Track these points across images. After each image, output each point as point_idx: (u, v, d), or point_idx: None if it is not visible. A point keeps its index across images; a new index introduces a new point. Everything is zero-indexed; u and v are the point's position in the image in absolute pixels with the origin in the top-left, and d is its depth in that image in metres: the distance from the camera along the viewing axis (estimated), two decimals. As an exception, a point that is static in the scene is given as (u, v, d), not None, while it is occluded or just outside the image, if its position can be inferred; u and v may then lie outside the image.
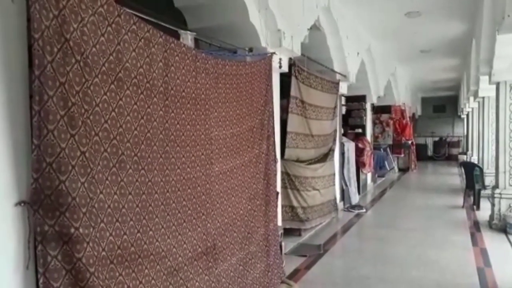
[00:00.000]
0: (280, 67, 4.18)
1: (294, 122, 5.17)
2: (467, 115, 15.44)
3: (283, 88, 5.03)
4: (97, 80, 2.10)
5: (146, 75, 2.43)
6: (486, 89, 8.21)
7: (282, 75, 4.84)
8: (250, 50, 3.97)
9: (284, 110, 5.08)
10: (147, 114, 2.44)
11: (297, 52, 4.52)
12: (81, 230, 1.92)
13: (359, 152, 8.88)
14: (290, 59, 4.66)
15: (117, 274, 2.17)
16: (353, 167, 8.40)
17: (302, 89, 5.20)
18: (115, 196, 2.22)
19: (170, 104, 2.62)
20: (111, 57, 2.17)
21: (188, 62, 2.78)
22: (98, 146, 2.11)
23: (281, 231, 4.15)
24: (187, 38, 3.07)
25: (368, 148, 9.21)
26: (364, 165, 9.07)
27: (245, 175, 3.50)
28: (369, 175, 10.06)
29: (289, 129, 4.98)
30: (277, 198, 3.97)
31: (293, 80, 4.98)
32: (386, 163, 12.17)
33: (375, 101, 10.09)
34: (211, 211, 3.03)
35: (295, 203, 5.36)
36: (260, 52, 3.95)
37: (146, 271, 2.40)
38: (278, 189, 4.31)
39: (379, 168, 11.50)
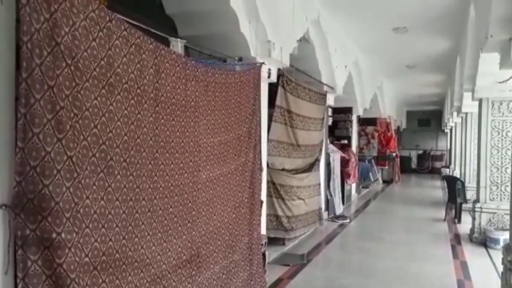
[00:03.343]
0: (269, 77, 4.22)
1: (277, 131, 5.21)
2: (451, 130, 15.76)
3: (272, 98, 5.08)
4: (88, 85, 2.09)
5: (137, 81, 2.43)
6: (469, 105, 8.40)
7: (270, 85, 4.88)
8: (240, 59, 4.00)
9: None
10: (137, 120, 2.44)
11: (286, 63, 4.57)
12: (63, 235, 1.90)
13: (344, 163, 8.97)
14: (279, 69, 4.71)
15: (100, 280, 2.15)
16: (338, 177, 8.47)
17: (290, 100, 5.26)
18: (102, 202, 2.20)
19: (160, 110, 2.63)
20: (102, 62, 2.17)
21: (178, 69, 2.79)
22: (86, 151, 2.10)
23: (265, 240, 4.16)
24: (177, 46, 3.08)
25: (353, 159, 9.31)
26: (349, 176, 9.15)
27: (231, 183, 3.50)
28: (353, 186, 10.16)
29: (270, 137, 5.02)
30: (261, 206, 3.98)
31: (280, 90, 5.03)
32: (370, 174, 12.33)
33: (361, 113, 10.24)
34: (197, 219, 3.03)
35: (280, 212, 5.38)
36: (249, 62, 3.98)
37: (130, 278, 2.38)
38: (263, 198, 4.32)
39: (364, 179, 11.64)
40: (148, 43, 2.50)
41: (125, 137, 2.35)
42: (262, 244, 4.01)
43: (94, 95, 2.13)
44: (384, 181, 14.40)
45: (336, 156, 8.36)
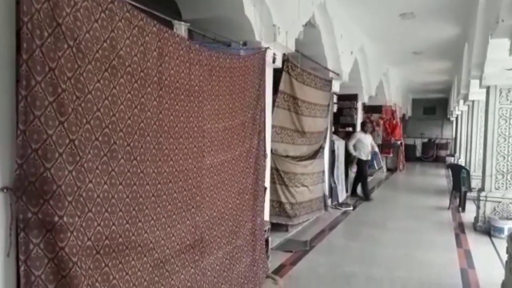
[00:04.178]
0: (274, 62, 4.16)
1: (279, 117, 5.16)
2: (456, 118, 15.63)
3: (277, 84, 5.02)
4: (90, 67, 2.05)
5: (140, 64, 2.39)
6: (476, 93, 8.32)
7: (275, 70, 4.83)
8: (244, 44, 3.94)
9: (276, 106, 5.09)
10: (140, 104, 2.40)
11: (291, 48, 4.51)
12: (65, 219, 1.88)
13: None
14: (284, 54, 4.64)
15: (103, 264, 2.14)
16: (342, 165, 8.45)
17: (295, 86, 5.20)
18: (105, 186, 2.18)
19: (164, 94, 2.59)
20: (105, 44, 2.13)
21: (182, 53, 2.74)
22: (89, 134, 2.07)
23: (268, 226, 4.15)
24: (181, 29, 3.03)
25: (357, 147, 9.25)
26: (352, 163, 9.10)
27: (235, 169, 3.48)
28: (357, 174, 10.11)
29: (273, 122, 4.97)
30: (265, 193, 3.96)
31: (284, 75, 4.97)
32: (374, 162, 12.25)
33: (366, 100, 10.15)
34: (201, 204, 3.01)
35: (283, 199, 5.37)
36: (254, 46, 3.92)
37: (133, 262, 2.37)
38: (267, 184, 4.30)
39: (368, 167, 11.57)
40: (151, 25, 2.45)
41: (129, 121, 2.32)
42: (265, 230, 4.00)
43: (96, 77, 2.09)
44: (388, 169, 14.35)
45: (341, 144, 8.32)
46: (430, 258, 4.77)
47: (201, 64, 2.95)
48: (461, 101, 10.91)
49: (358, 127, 10.30)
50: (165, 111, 2.60)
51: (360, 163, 8.73)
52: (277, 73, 4.97)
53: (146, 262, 2.48)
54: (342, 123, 10.08)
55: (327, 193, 7.14)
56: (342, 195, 8.20)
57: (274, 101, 5.05)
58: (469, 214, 7.02)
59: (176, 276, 2.73)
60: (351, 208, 7.52)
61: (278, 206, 5.37)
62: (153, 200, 2.53)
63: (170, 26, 2.99)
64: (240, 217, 3.52)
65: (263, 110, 3.94)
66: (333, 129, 7.98)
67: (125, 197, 2.31)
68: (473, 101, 9.03)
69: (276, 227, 5.41)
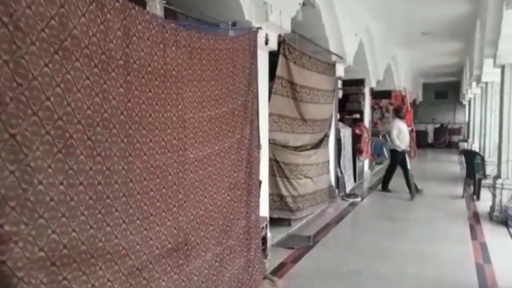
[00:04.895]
0: (267, 43, 3.81)
1: (277, 104, 4.82)
2: (469, 102, 15.08)
3: (274, 69, 4.68)
4: (35, 49, 1.75)
5: (101, 45, 2.07)
6: (490, 74, 7.88)
7: (272, 54, 4.48)
8: (234, 24, 3.60)
9: (274, 92, 4.75)
10: (103, 91, 2.09)
11: (287, 28, 4.15)
12: (6, 227, 1.60)
13: (356, 139, 8.56)
14: (279, 36, 4.29)
15: (61, 277, 1.86)
16: (349, 154, 8.10)
17: (293, 70, 4.84)
18: (61, 187, 1.89)
19: (132, 80, 2.27)
20: (52, 22, 1.82)
21: (154, 33, 2.42)
22: (37, 128, 1.77)
23: (265, 223, 3.85)
24: (155, 7, 2.71)
25: (365, 135, 8.88)
26: (361, 152, 8.74)
27: (225, 162, 3.17)
28: (366, 162, 9.75)
29: (270, 110, 4.64)
30: (260, 187, 3.65)
31: (281, 59, 4.61)
32: (384, 150, 11.85)
33: (374, 85, 9.73)
34: (184, 203, 2.71)
35: (284, 192, 5.06)
36: (244, 27, 3.58)
37: (101, 272, 2.09)
38: (263, 177, 3.99)
39: (377, 155, 11.20)
40: (114, 0, 2.13)
41: (88, 111, 2.01)
42: (262, 227, 3.70)
43: (44, 61, 1.79)
44: (398, 157, 13.90)
45: (347, 132, 7.95)
46: (443, 252, 4.43)
47: (179, 45, 2.63)
48: (474, 84, 10.41)
49: (366, 114, 9.91)
50: (135, 99, 2.29)
51: (397, 154, 7.61)
52: (274, 57, 4.63)
53: (118, 271, 2.20)
54: (348, 109, 9.68)
55: (333, 183, 6.82)
56: (349, 186, 7.85)
57: (271, 87, 4.71)
58: (484, 202, 6.63)
59: (156, 283, 2.45)
60: (359, 199, 7.18)
61: (279, 200, 5.06)
62: (124, 200, 2.23)
63: (143, 4, 2.68)
64: (231, 215, 3.21)
65: (256, 96, 3.61)
66: (338, 116, 7.61)
67: (87, 199, 2.02)
68: (486, 83, 8.56)
69: (277, 222, 5.12)
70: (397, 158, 7.62)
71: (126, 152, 2.24)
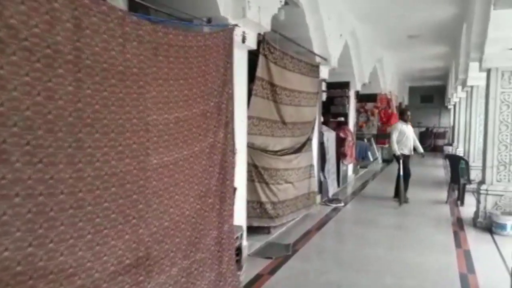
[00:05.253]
0: (244, 42, 3.59)
1: (257, 106, 4.60)
2: (454, 106, 15.11)
3: (255, 70, 4.47)
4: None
5: (46, 38, 1.83)
6: (475, 78, 7.82)
7: (252, 54, 4.27)
8: (209, 20, 3.37)
9: (254, 94, 4.53)
10: (46, 89, 1.85)
11: (267, 26, 3.93)
12: None
13: (340, 142, 8.40)
14: (259, 34, 4.08)
15: (-12, 305, 1.61)
16: (333, 158, 7.93)
17: (273, 71, 4.63)
18: (-9, 200, 1.65)
19: (84, 78, 2.03)
20: (-19, 9, 1.58)
21: (112, 26, 2.18)
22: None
23: (240, 232, 3.62)
24: (118, 0, 2.46)
25: (350, 138, 8.73)
26: (345, 156, 8.59)
27: (195, 168, 2.94)
28: (350, 167, 9.61)
29: (250, 113, 4.43)
30: (234, 194, 3.42)
31: (261, 59, 4.39)
32: (369, 153, 11.77)
33: (359, 88, 9.61)
34: (146, 214, 2.47)
35: (263, 198, 4.84)
36: (220, 23, 3.36)
37: (42, 294, 1.84)
38: (240, 183, 3.76)
39: (362, 159, 11.09)
40: (62, -13, 1.89)
41: (27, 113, 1.77)
42: (236, 238, 3.48)
43: (-32, 54, 1.54)
44: (384, 160, 13.84)
45: (331, 135, 7.78)
46: (426, 261, 4.27)
47: (142, 40, 2.39)
48: (459, 88, 10.37)
49: (351, 117, 9.77)
50: (87, 99, 2.05)
51: (401, 159, 7.28)
52: (255, 57, 4.42)
53: (64, 292, 1.95)
54: (333, 112, 9.52)
55: (316, 188, 6.63)
56: (332, 191, 7.68)
57: (251, 89, 4.50)
58: (468, 208, 6.53)
59: (111, 304, 2.21)
60: (342, 204, 7.01)
61: (258, 207, 4.84)
62: (72, 213, 1.99)
63: (104, -5, 2.43)
64: (201, 225, 2.98)
65: (231, 98, 3.38)
66: (322, 119, 7.44)
67: (25, 213, 1.77)
68: (471, 87, 8.49)
69: (256, 229, 4.91)
70: (407, 163, 7.38)
71: (75, 158, 2.00)
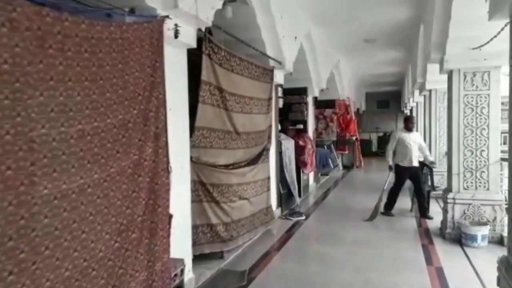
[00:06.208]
0: (176, 36, 2.98)
1: (207, 115, 4.00)
2: (411, 110, 15.20)
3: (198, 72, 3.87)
4: None
5: None
6: (434, 81, 7.63)
7: (195, 55, 3.68)
8: (132, 11, 2.74)
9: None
10: None
11: (206, 20, 3.35)
12: None
13: (300, 151, 7.93)
14: (199, 30, 3.49)
15: None
16: (293, 167, 7.43)
17: (219, 74, 4.05)
18: None
19: None
20: None
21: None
22: None
23: (180, 267, 2.97)
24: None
25: (309, 146, 8.29)
26: (305, 164, 8.13)
27: (112, 195, 2.28)
28: (311, 175, 9.17)
29: (198, 123, 3.83)
30: (170, 223, 2.79)
31: (205, 60, 3.80)
32: (329, 160, 11.41)
33: (317, 94, 9.24)
34: (32, 265, 1.79)
35: (214, 220, 4.21)
36: (145, 14, 2.74)
37: None
38: (183, 207, 3.13)
39: (322, 167, 10.70)
40: None
41: None
42: (174, 275, 2.83)
43: None
44: (344, 167, 13.61)
45: (290, 144, 7.29)
46: (395, 283, 3.81)
47: (17, 27, 1.73)
48: (416, 92, 10.25)
49: (310, 124, 9.38)
50: None
51: (398, 170, 6.64)
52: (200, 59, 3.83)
53: None
54: (291, 119, 9.07)
55: (275, 202, 6.09)
56: (294, 202, 7.17)
57: (198, 95, 3.90)
58: (435, 216, 6.22)
59: None
60: (303, 217, 6.50)
61: (209, 231, 4.19)
62: None
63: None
64: (121, 269, 2.32)
65: (162, 104, 2.76)
66: (279, 127, 6.94)
67: None
68: (430, 91, 8.31)
69: (208, 254, 4.26)
70: (401, 176, 6.66)
71: None
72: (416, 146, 6.53)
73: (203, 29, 3.57)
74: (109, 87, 2.26)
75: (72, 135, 2.01)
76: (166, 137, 2.78)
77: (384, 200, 6.69)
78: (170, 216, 2.79)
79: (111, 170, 2.27)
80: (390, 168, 6.75)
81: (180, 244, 3.39)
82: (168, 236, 2.75)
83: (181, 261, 3.00)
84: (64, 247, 1.96)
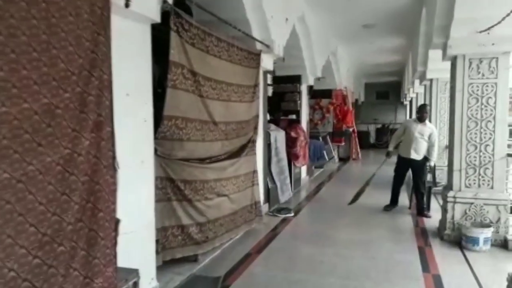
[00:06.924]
0: (128, 6, 2.48)
1: (181, 103, 3.52)
2: (410, 102, 14.71)
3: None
4: None
5: None
6: (435, 70, 7.17)
7: (159, 30, 3.19)
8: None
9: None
10: None
11: (170, -11, 2.85)
12: None
13: (291, 143, 7.48)
14: (164, 2, 2.99)
15: None
16: (284, 160, 6.98)
17: (191, 55, 3.55)
18: None
19: None
20: None
21: None
22: None
23: (134, 280, 2.52)
24: None
25: (302, 138, 7.82)
26: (297, 157, 7.68)
27: (30, 198, 1.81)
28: (303, 169, 8.72)
29: (168, 112, 3.35)
30: (117, 230, 2.33)
31: (174, 37, 3.29)
32: (324, 153, 10.96)
33: (312, 82, 8.74)
34: None
35: (185, 220, 3.75)
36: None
37: None
38: (146, 207, 2.67)
39: (317, 159, 10.25)
40: None
41: None
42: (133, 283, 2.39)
43: None
44: (340, 159, 13.16)
45: (280, 135, 6.83)
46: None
47: None
48: (417, 82, 9.77)
49: (303, 114, 8.90)
50: None
51: (397, 160, 6.40)
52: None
53: None
54: (284, 109, 8.60)
55: (262, 198, 5.65)
56: (284, 197, 6.74)
57: (166, 79, 3.41)
58: (434, 214, 5.79)
59: None
60: (292, 214, 6.07)
61: (180, 233, 3.73)
62: None
63: None
64: (42, 291, 1.86)
65: (107, 87, 2.28)
66: (268, 117, 6.46)
67: None
68: (431, 80, 7.82)
69: (180, 258, 3.82)
70: (398, 166, 6.46)
71: None
72: (422, 139, 5.97)
73: (170, 1, 3.06)
74: (26, 63, 1.78)
75: (-37, 124, 1.54)
76: (112, 127, 2.30)
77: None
78: (117, 221, 2.33)
79: (27, 169, 1.80)
80: (387, 154, 6.55)
81: (140, 251, 2.95)
82: (114, 245, 2.29)
83: (134, 272, 2.55)
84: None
